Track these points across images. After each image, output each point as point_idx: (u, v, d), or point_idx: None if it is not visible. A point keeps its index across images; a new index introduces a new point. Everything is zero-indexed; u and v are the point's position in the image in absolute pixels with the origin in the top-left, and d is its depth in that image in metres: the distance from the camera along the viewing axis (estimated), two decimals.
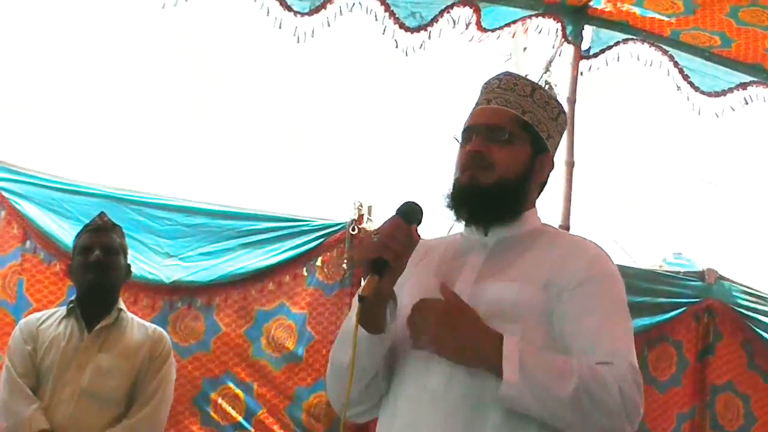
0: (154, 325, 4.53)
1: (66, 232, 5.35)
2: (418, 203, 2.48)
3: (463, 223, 2.66)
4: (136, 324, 4.39)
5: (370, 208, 5.82)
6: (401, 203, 2.48)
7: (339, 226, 5.84)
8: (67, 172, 5.70)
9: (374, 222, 5.81)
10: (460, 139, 2.66)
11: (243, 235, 5.78)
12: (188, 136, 5.64)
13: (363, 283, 2.38)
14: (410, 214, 2.46)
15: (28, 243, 5.51)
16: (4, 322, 5.35)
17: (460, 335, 2.38)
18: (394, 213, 2.47)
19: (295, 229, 5.82)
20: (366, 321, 2.40)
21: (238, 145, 5.68)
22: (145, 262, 5.63)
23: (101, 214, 4.49)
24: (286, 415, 5.69)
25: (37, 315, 4.48)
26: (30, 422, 4.03)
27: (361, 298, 2.35)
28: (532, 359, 2.35)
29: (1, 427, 4.14)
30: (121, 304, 4.38)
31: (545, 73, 6.02)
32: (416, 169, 5.51)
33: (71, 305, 4.33)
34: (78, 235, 4.44)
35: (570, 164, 5.83)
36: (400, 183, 5.56)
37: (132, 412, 4.17)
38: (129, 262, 4.43)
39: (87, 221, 5.45)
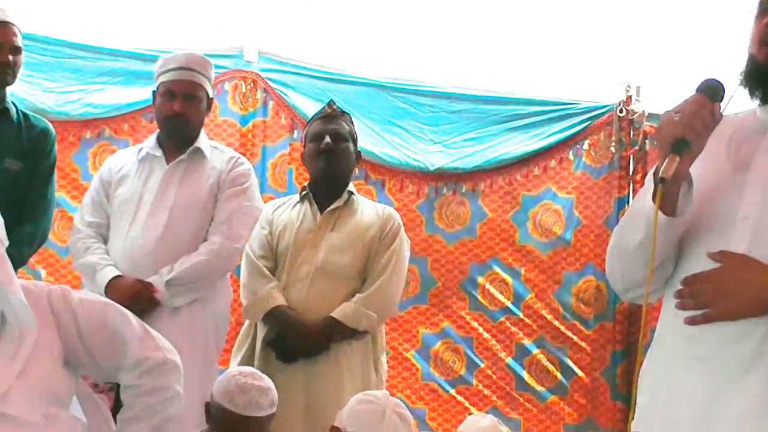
0: (384, 205, 4.59)
1: None
2: (720, 80, 2.31)
3: (758, 102, 2.46)
4: (367, 205, 4.46)
5: (638, 88, 5.64)
6: (703, 80, 2.31)
7: (606, 108, 5.69)
8: (332, 61, 5.74)
9: (642, 103, 5.63)
10: (755, 12, 2.45)
11: (508, 119, 5.72)
12: (449, 21, 5.54)
13: (663, 163, 2.23)
14: (713, 91, 2.29)
15: (295, 133, 5.63)
16: None
17: (738, 298, 2.25)
18: (695, 90, 2.30)
19: (561, 113, 5.71)
20: (662, 202, 2.27)
21: (500, 28, 5.55)
22: (409, 149, 5.68)
23: (330, 102, 4.52)
24: (554, 299, 5.66)
25: (272, 201, 4.61)
26: (267, 299, 4.18)
27: (661, 179, 2.21)
28: None
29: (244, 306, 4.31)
30: (352, 188, 4.43)
31: None
32: (688, 47, 5.22)
33: (303, 191, 4.43)
34: (309, 123, 4.50)
35: None
36: (670, 62, 5.30)
37: (365, 286, 4.25)
38: (358, 149, 4.46)
39: (353, 110, 5.53)
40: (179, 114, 4.18)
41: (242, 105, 5.64)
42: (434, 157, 5.67)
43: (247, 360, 4.27)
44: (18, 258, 3.95)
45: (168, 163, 4.23)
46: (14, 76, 4.21)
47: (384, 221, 4.36)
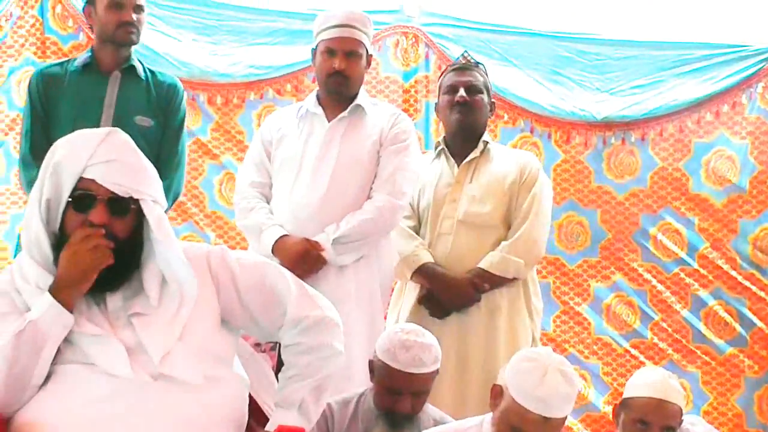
0: (522, 151, 4.66)
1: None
2: None
3: None
4: (504, 152, 4.46)
5: None
6: None
7: None
8: (492, 13, 5.70)
9: None
10: None
11: (677, 65, 5.55)
12: None
13: None
14: None
15: None
16: None
17: None
18: None
19: (733, 55, 5.51)
20: None
21: None
22: (575, 99, 5.57)
23: (464, 54, 4.56)
24: (731, 248, 5.49)
25: None
26: (413, 258, 4.23)
27: None
28: None
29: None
30: (487, 137, 4.42)
31: None
32: None
33: (439, 146, 4.45)
34: (442, 75, 4.49)
35: None
36: None
37: (510, 233, 4.26)
38: (492, 100, 4.42)
39: (516, 61, 5.43)
40: (340, 71, 4.14)
41: (404, 61, 5.63)
42: (601, 106, 5.55)
43: (399, 318, 4.33)
44: None
45: (329, 121, 4.20)
46: (138, 35, 4.23)
47: (522, 166, 4.35)
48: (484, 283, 4.18)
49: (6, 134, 5.49)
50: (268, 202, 4.21)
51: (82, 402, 2.42)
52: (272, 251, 4.03)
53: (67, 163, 2.56)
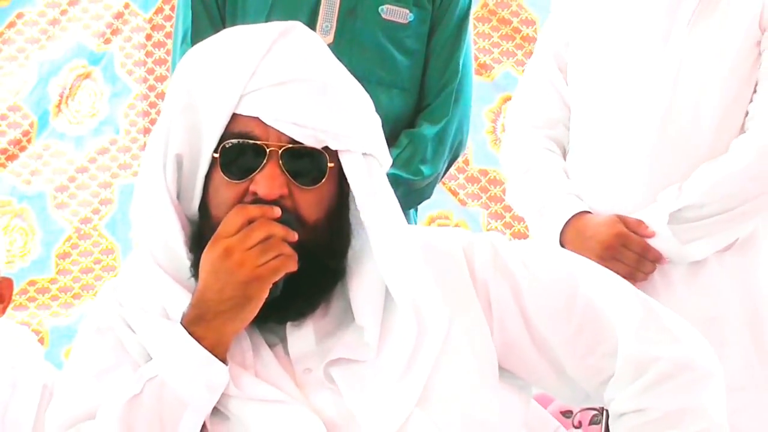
0: None
1: None
2: None
3: None
4: None
5: None
6: None
7: None
8: None
9: None
10: None
11: None
12: None
13: None
14: None
15: None
16: None
17: None
18: None
19: None
20: None
21: None
22: None
23: None
24: None
25: None
26: None
27: None
28: None
29: None
30: None
31: None
32: None
33: None
34: None
35: None
36: None
37: None
38: None
39: None
40: None
41: None
42: None
43: None
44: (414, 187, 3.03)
45: None
46: None
47: None
48: None
49: None
50: (564, 154, 3.12)
51: None
52: (560, 239, 3.00)
53: (209, 90, 1.81)
